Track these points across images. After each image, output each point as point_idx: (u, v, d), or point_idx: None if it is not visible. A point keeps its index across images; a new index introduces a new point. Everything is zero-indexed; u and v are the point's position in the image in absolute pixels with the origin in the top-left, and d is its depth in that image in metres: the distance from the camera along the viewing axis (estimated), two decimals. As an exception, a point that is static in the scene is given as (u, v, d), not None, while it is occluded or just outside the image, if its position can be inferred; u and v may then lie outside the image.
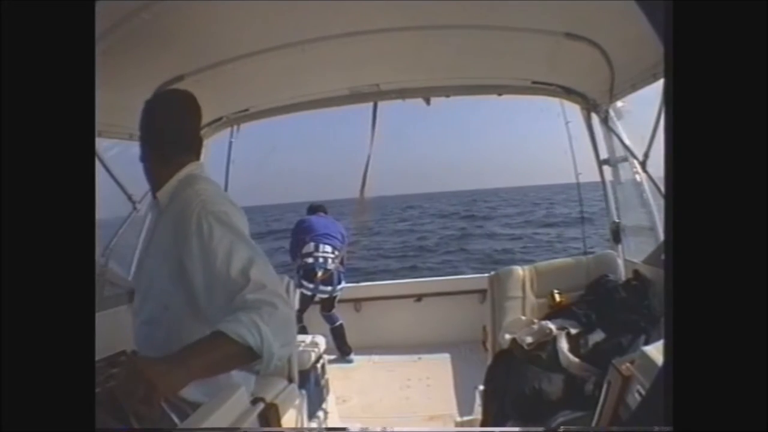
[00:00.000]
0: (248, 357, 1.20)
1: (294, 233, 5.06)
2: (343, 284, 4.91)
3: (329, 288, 4.78)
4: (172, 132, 1.60)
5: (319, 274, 4.73)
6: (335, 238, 4.97)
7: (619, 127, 2.94)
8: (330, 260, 4.82)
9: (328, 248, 4.87)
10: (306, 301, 4.68)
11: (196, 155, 1.64)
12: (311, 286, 4.70)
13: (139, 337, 1.59)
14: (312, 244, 4.87)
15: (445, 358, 4.63)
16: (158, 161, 1.61)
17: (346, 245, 5.05)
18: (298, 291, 4.39)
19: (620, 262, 3.05)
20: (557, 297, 2.77)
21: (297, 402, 2.61)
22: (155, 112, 1.65)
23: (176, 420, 1.21)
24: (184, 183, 1.53)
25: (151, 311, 1.54)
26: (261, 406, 1.31)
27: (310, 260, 4.80)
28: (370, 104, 3.36)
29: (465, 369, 4.16)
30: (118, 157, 2.66)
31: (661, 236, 2.71)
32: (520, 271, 2.95)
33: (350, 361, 4.76)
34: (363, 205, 4.61)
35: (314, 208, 5.26)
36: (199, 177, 1.57)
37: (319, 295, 4.80)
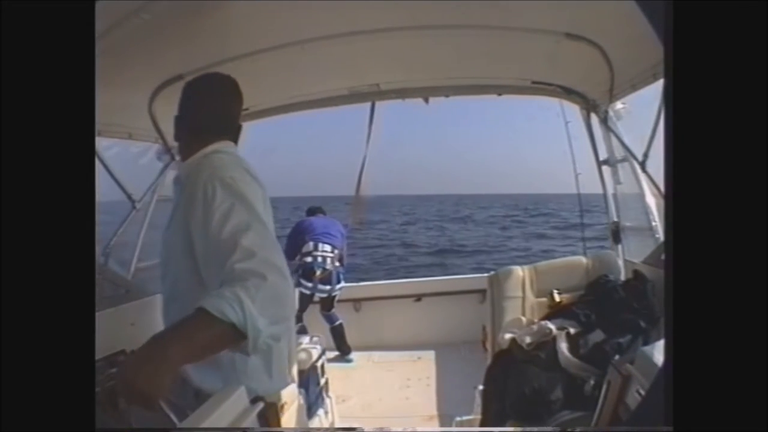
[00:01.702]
0: (233, 336, 1.10)
1: (292, 234, 5.04)
2: (342, 284, 4.90)
3: (328, 287, 4.77)
4: (209, 113, 1.57)
5: (318, 273, 4.72)
6: (334, 237, 4.96)
7: (619, 127, 2.94)
8: (329, 259, 4.81)
9: (328, 247, 4.87)
10: (305, 301, 4.67)
11: (231, 137, 1.60)
12: (310, 285, 4.69)
13: (164, 317, 1.57)
14: (311, 243, 4.86)
15: (444, 357, 4.62)
16: (191, 137, 1.57)
17: (345, 244, 5.04)
18: (297, 290, 4.39)
19: (620, 262, 3.05)
20: (557, 297, 2.77)
21: (296, 401, 2.61)
22: (195, 92, 1.62)
23: (174, 419, 1.21)
24: (205, 157, 1.50)
25: (170, 287, 1.53)
26: (260, 405, 1.31)
27: (309, 259, 4.79)
28: (370, 104, 3.37)
29: (465, 369, 4.15)
30: (117, 157, 2.67)
31: (661, 236, 2.71)
32: (519, 271, 2.95)
33: (350, 361, 4.76)
34: (359, 203, 4.61)
35: (312, 210, 5.25)
36: (220, 151, 1.52)
37: (318, 295, 4.80)
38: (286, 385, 1.66)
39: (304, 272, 4.71)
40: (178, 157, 1.64)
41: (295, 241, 4.94)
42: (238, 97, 1.66)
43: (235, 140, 1.62)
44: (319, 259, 4.79)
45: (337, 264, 4.86)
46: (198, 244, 1.34)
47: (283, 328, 1.26)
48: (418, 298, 5.06)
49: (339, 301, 4.91)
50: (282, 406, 1.69)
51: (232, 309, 1.08)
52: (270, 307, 1.15)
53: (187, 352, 1.09)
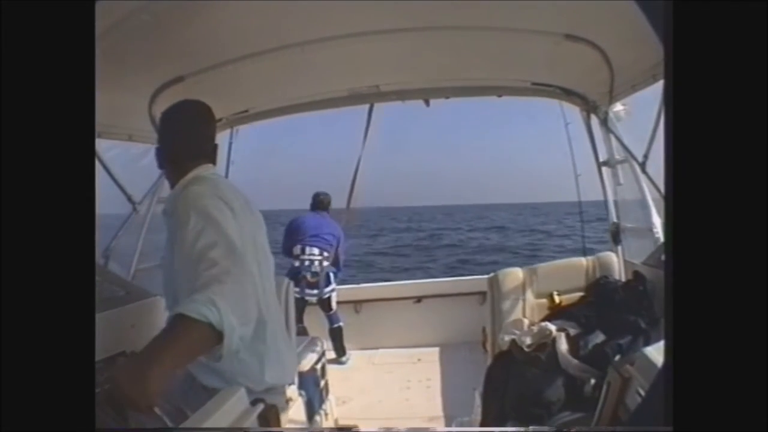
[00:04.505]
0: (211, 336, 1.20)
1: (285, 233, 4.98)
2: (333, 285, 4.84)
3: (315, 291, 4.73)
4: (182, 141, 1.66)
5: (308, 277, 4.70)
6: (323, 239, 4.86)
7: (619, 128, 2.94)
8: (317, 263, 4.76)
9: (316, 250, 4.80)
10: (300, 304, 4.62)
11: (209, 159, 1.69)
12: (297, 289, 4.63)
13: None
14: (299, 247, 4.80)
15: (444, 359, 4.62)
16: (172, 167, 1.67)
17: (338, 245, 4.93)
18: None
19: (620, 263, 3.05)
20: (557, 298, 2.77)
21: (297, 403, 2.61)
22: (167, 123, 1.72)
23: (168, 422, 1.21)
24: (184, 188, 1.58)
25: (170, 308, 1.63)
26: (261, 407, 1.31)
27: (297, 263, 4.76)
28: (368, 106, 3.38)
29: (464, 370, 4.15)
30: (117, 158, 2.67)
31: (661, 237, 2.71)
32: (519, 272, 2.94)
33: (342, 363, 4.73)
34: (352, 204, 4.61)
35: (317, 201, 5.05)
36: (198, 178, 1.61)
37: (308, 299, 4.76)
38: (282, 383, 1.73)
39: (293, 277, 4.59)
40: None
41: (287, 241, 4.90)
42: (210, 120, 1.74)
43: (213, 160, 1.71)
44: (306, 263, 4.75)
45: (327, 264, 4.80)
46: (176, 265, 1.47)
47: (251, 329, 1.36)
48: (418, 299, 5.06)
49: (340, 302, 4.89)
50: (282, 408, 1.70)
51: (207, 309, 1.18)
52: (234, 307, 1.24)
53: (175, 358, 1.19)
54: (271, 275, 1.73)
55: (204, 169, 1.65)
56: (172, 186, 1.67)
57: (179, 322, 1.18)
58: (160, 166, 1.71)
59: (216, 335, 1.20)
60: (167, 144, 1.69)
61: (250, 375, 1.55)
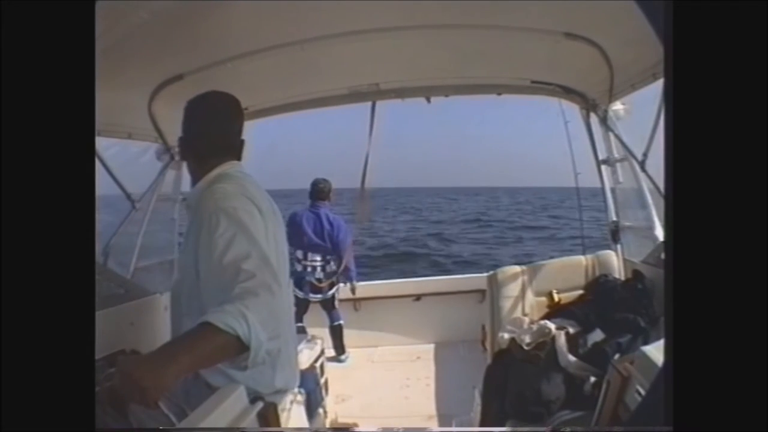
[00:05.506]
0: (236, 348, 1.18)
1: (288, 227, 4.85)
2: (338, 286, 4.84)
3: (319, 296, 4.74)
4: (210, 135, 1.63)
5: (313, 281, 4.71)
6: (324, 246, 4.78)
7: (618, 126, 2.94)
8: (319, 269, 4.75)
9: (317, 257, 4.77)
10: (302, 305, 4.62)
11: (235, 155, 1.66)
12: (301, 293, 4.65)
13: (175, 333, 1.64)
14: (300, 252, 4.77)
15: (444, 357, 4.63)
16: (196, 161, 1.64)
17: (341, 248, 4.83)
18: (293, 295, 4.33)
19: (619, 261, 3.06)
20: (556, 297, 2.77)
21: (296, 401, 2.61)
22: (194, 114, 1.67)
23: (174, 419, 1.21)
24: (210, 185, 1.55)
25: (185, 305, 1.59)
26: (260, 405, 1.31)
27: (299, 268, 4.74)
28: (370, 103, 3.37)
29: (464, 369, 4.16)
30: (117, 157, 2.67)
31: (660, 236, 2.72)
32: (519, 270, 2.95)
33: (341, 361, 4.73)
34: (364, 201, 4.57)
35: (317, 190, 4.87)
36: (224, 175, 1.58)
37: (312, 300, 4.76)
38: (289, 386, 1.71)
39: (296, 280, 4.61)
40: (183, 166, 1.70)
41: (291, 237, 4.81)
42: (238, 115, 1.71)
43: (239, 157, 1.67)
44: (309, 269, 4.74)
45: (332, 268, 4.78)
46: (202, 269, 1.43)
47: (278, 344, 1.33)
48: (418, 297, 5.06)
49: (339, 300, 4.89)
50: (287, 409, 1.70)
51: (237, 322, 1.16)
52: (265, 322, 1.22)
53: (193, 361, 1.17)
54: (288, 278, 1.72)
55: (230, 166, 1.62)
56: (195, 180, 1.63)
57: (205, 329, 1.16)
58: (183, 157, 1.68)
59: (240, 347, 1.18)
60: (193, 136, 1.64)
61: (262, 381, 1.53)
